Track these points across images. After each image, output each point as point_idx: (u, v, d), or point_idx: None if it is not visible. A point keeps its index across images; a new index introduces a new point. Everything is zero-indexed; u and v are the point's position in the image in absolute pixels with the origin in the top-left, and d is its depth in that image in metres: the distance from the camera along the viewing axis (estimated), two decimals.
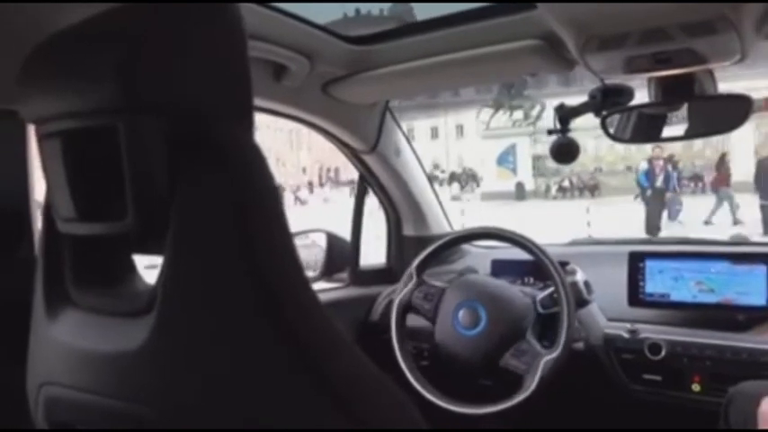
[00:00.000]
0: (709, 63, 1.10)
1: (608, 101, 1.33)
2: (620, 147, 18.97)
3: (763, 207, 9.73)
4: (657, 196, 11.21)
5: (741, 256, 1.50)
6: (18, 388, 0.67)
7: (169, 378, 0.52)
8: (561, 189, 22.00)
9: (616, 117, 1.39)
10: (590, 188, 22.35)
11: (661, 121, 1.37)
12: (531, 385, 1.33)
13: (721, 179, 12.70)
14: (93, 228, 0.55)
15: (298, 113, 1.44)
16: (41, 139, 0.57)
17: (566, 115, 1.40)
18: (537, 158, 22.60)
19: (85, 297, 0.60)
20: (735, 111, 1.23)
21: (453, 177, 25.25)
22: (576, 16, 0.98)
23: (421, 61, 1.26)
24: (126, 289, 0.61)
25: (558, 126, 1.39)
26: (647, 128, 1.39)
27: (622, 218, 11.34)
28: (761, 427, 1.03)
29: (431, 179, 1.89)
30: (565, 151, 1.39)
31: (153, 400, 0.52)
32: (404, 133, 1.74)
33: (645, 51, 1.05)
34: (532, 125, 22.55)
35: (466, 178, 26.48)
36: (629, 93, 1.34)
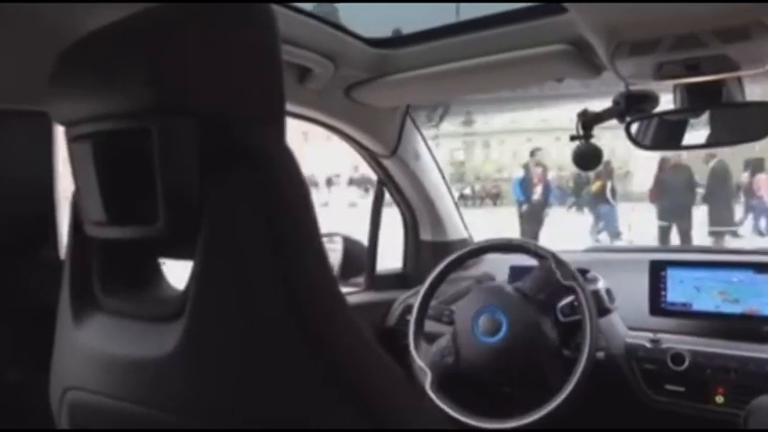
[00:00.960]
0: (740, 70, 1.08)
1: (632, 107, 1.31)
2: (522, 155, 16.98)
3: (661, 228, 8.06)
4: (535, 210, 8.99)
5: (765, 265, 1.47)
6: (41, 392, 0.66)
7: (199, 385, 0.51)
8: (462, 197, 21.10)
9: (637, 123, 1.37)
10: (492, 196, 21.88)
11: (682, 127, 1.35)
12: (565, 392, 1.30)
13: (598, 192, 9.70)
14: (123, 231, 0.55)
15: (320, 117, 1.43)
16: (72, 141, 0.57)
17: (589, 121, 1.38)
18: None
19: (113, 301, 0.59)
20: (762, 118, 1.20)
21: (352, 182, 24.37)
22: (608, 21, 0.97)
23: (445, 66, 1.25)
24: (154, 293, 0.60)
25: (581, 132, 1.37)
26: (668, 134, 1.37)
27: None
28: None
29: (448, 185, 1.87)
30: (588, 157, 1.37)
31: (182, 407, 0.52)
32: (423, 138, 1.72)
33: (676, 57, 1.04)
34: (435, 128, 21.80)
35: (364, 183, 25.36)
36: (653, 99, 1.32)
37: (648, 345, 1.48)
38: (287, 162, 0.51)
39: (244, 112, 0.52)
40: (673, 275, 1.54)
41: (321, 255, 0.53)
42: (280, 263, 0.49)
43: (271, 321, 0.49)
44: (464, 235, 1.92)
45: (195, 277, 0.50)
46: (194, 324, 0.50)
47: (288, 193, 0.51)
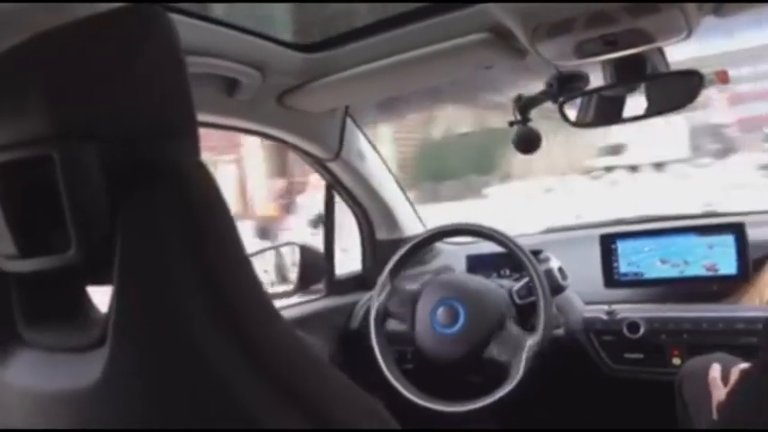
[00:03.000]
0: (656, 42, 1.11)
1: (564, 87, 1.34)
2: None
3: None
4: None
5: (709, 228, 1.52)
6: None
7: (126, 412, 0.50)
8: None
9: (576, 103, 1.40)
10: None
11: (620, 102, 1.39)
12: (518, 372, 1.34)
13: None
14: (36, 263, 0.53)
15: (255, 127, 1.42)
16: None
17: (525, 105, 1.41)
18: None
19: (38, 335, 0.57)
20: (687, 87, 1.24)
21: None
22: (521, 6, 0.98)
23: (374, 64, 1.25)
24: (80, 323, 0.58)
25: (519, 117, 1.40)
26: (608, 110, 1.40)
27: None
28: (713, 392, 1.05)
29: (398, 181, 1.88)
30: (528, 141, 1.40)
31: None
32: (366, 137, 1.73)
33: (593, 35, 1.05)
34: None
35: None
36: (584, 78, 1.35)
37: (605, 317, 1.52)
38: (200, 175, 0.50)
39: (149, 129, 0.50)
40: (623, 247, 1.59)
41: (245, 264, 0.52)
42: (201, 277, 0.48)
43: (197, 337, 0.48)
44: (420, 229, 1.92)
45: (114, 301, 0.48)
46: (117, 349, 0.48)
47: (203, 206, 0.50)
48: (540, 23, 1.03)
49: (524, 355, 1.34)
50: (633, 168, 10.44)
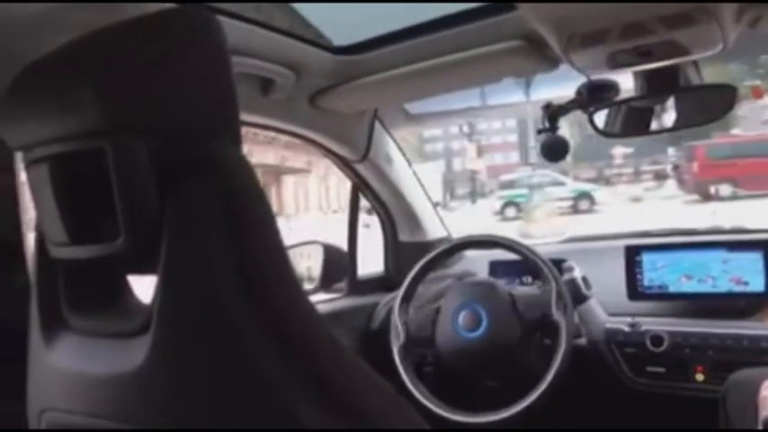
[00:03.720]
0: (691, 54, 1.11)
1: (594, 97, 1.34)
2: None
3: None
4: None
5: (737, 243, 1.51)
6: (19, 417, 0.67)
7: (167, 398, 0.52)
8: None
9: (604, 113, 1.40)
10: None
11: (649, 113, 1.38)
12: (546, 380, 1.33)
13: None
14: (85, 251, 0.55)
15: (287, 126, 1.44)
16: (28, 165, 0.57)
17: (554, 113, 1.41)
18: None
19: (81, 321, 0.60)
20: (721, 99, 1.24)
21: None
22: (556, 15, 0.99)
23: (406, 68, 1.27)
24: (122, 310, 0.60)
25: (547, 125, 1.40)
26: (635, 121, 1.40)
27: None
28: (762, 411, 1.04)
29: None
30: (555, 149, 1.40)
31: (152, 420, 0.52)
32: (394, 140, 1.74)
33: (627, 46, 1.05)
34: None
35: None
36: (614, 88, 1.35)
37: (627, 329, 1.51)
38: (243, 171, 0.52)
39: (196, 125, 0.52)
40: (648, 259, 1.58)
41: (283, 256, 0.53)
42: (243, 271, 0.49)
43: (239, 329, 0.49)
44: (443, 234, 1.94)
45: (159, 290, 0.50)
46: (161, 337, 0.50)
47: (246, 201, 0.51)
48: (574, 32, 1.03)
49: (555, 365, 1.34)
50: None
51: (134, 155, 0.50)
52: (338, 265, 1.77)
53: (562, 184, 14.73)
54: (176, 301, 0.51)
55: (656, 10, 0.96)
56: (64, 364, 0.59)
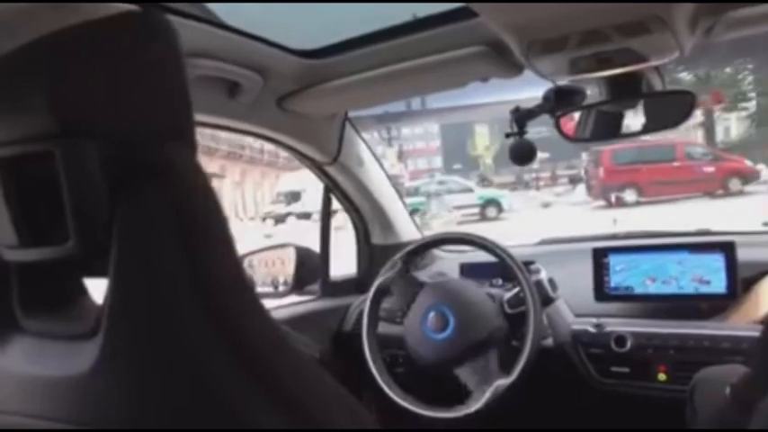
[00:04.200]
0: (649, 61, 1.13)
1: (562, 102, 1.36)
2: None
3: None
4: None
5: (700, 245, 1.54)
6: None
7: (117, 400, 0.52)
8: None
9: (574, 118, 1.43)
10: None
11: (618, 118, 1.41)
12: (478, 404, 1.36)
13: None
14: (36, 253, 0.55)
15: (255, 129, 1.44)
16: None
17: (522, 117, 1.43)
18: None
19: (34, 322, 0.59)
20: (680, 106, 1.26)
21: None
22: (515, 21, 1.00)
23: (373, 72, 1.28)
24: (75, 312, 0.60)
25: (516, 129, 1.42)
26: (606, 126, 1.42)
27: None
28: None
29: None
30: (524, 153, 1.41)
31: (103, 422, 0.52)
32: (365, 143, 1.75)
33: (586, 52, 1.07)
34: None
35: None
36: (581, 93, 1.38)
37: (592, 329, 1.53)
38: (195, 176, 0.52)
39: (149, 130, 0.52)
40: (614, 261, 1.60)
41: (235, 261, 0.54)
42: (192, 273, 0.50)
43: (187, 330, 0.50)
44: (416, 236, 1.94)
45: (109, 293, 0.50)
46: (110, 339, 0.50)
47: (197, 206, 0.52)
48: (534, 39, 1.05)
49: (489, 393, 1.36)
50: (306, 216, 11.05)
51: (84, 159, 0.50)
52: (311, 267, 1.78)
53: (470, 190, 14.63)
54: (126, 303, 0.50)
55: (611, 19, 0.98)
56: (14, 367, 0.59)
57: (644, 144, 12.14)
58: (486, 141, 20.02)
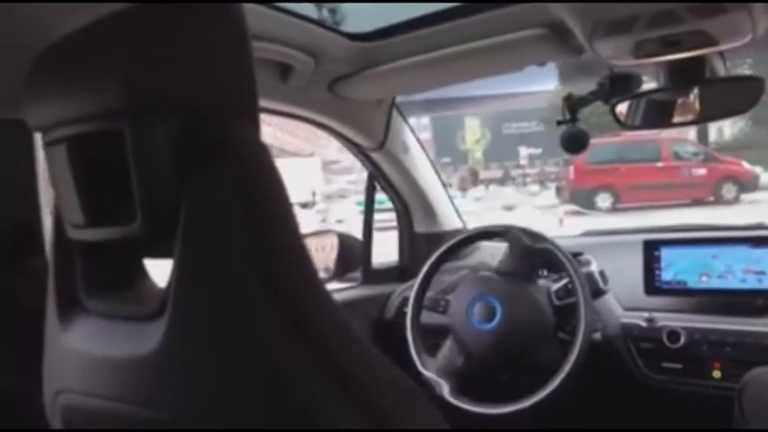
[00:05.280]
0: (720, 44, 1.08)
1: (616, 88, 1.31)
2: None
3: None
4: None
5: (759, 239, 1.48)
6: (34, 397, 0.66)
7: (183, 381, 0.51)
8: None
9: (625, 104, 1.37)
10: None
11: (671, 105, 1.36)
12: (529, 400, 1.32)
13: None
14: (102, 233, 0.55)
15: (305, 113, 1.44)
16: (47, 146, 0.57)
17: (574, 104, 1.38)
18: None
19: (98, 303, 0.59)
20: (747, 92, 1.21)
21: None
22: (582, 2, 0.97)
23: (426, 55, 1.25)
24: (138, 293, 0.61)
25: (568, 116, 1.37)
26: (657, 113, 1.37)
27: None
28: None
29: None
30: (576, 141, 1.38)
31: (168, 403, 0.52)
32: (412, 130, 1.73)
33: (654, 35, 1.03)
34: None
35: None
36: (637, 79, 1.33)
37: (644, 324, 1.49)
38: (260, 155, 0.52)
39: (215, 107, 0.52)
40: (666, 254, 1.54)
41: (301, 246, 0.53)
42: (259, 255, 0.49)
43: (254, 315, 0.49)
44: (458, 225, 1.93)
45: (175, 274, 0.50)
46: (176, 321, 0.50)
47: (264, 186, 0.51)
48: (599, 20, 1.01)
49: (572, 358, 1.31)
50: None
51: (153, 138, 0.49)
52: (353, 254, 1.77)
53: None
54: (192, 285, 0.50)
55: None
56: (79, 346, 0.59)
57: (625, 140, 10.44)
58: (476, 135, 19.57)
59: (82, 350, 0.58)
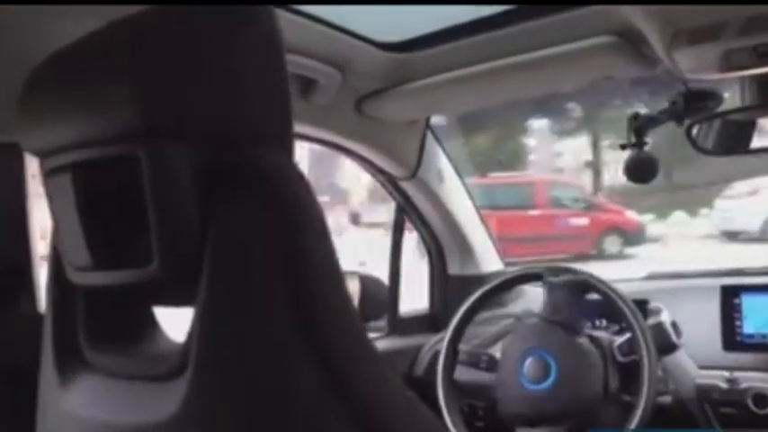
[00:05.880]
0: None
1: (692, 107, 1.28)
2: None
3: None
4: None
5: None
6: None
7: None
8: None
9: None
10: None
11: (750, 128, 1.32)
12: None
13: None
14: (112, 277, 0.54)
15: (328, 136, 1.43)
16: (47, 174, 0.56)
17: (641, 126, 1.34)
18: None
19: (103, 358, 0.58)
20: None
21: None
22: (663, 6, 0.94)
23: (470, 69, 1.24)
24: (150, 347, 0.59)
25: (633, 139, 1.33)
26: (734, 137, 1.34)
27: None
28: None
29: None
30: (643, 168, 1.34)
31: None
32: (447, 155, 1.71)
33: (745, 44, 1.01)
34: None
35: None
36: (717, 97, 1.29)
37: (724, 385, 1.44)
38: (297, 186, 0.50)
39: (246, 131, 0.51)
40: (749, 302, 1.51)
41: (344, 293, 0.52)
42: (299, 305, 0.48)
43: (292, 375, 0.48)
44: (498, 266, 1.90)
45: (199, 326, 0.48)
46: (199, 381, 0.48)
47: (300, 220, 0.49)
48: (681, 28, 0.98)
49: (633, 425, 1.27)
50: None
51: (173, 164, 0.48)
52: (377, 299, 1.73)
53: None
54: (219, 339, 0.49)
55: None
56: (82, 409, 0.58)
57: (495, 182, 9.58)
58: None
59: (84, 414, 0.56)
